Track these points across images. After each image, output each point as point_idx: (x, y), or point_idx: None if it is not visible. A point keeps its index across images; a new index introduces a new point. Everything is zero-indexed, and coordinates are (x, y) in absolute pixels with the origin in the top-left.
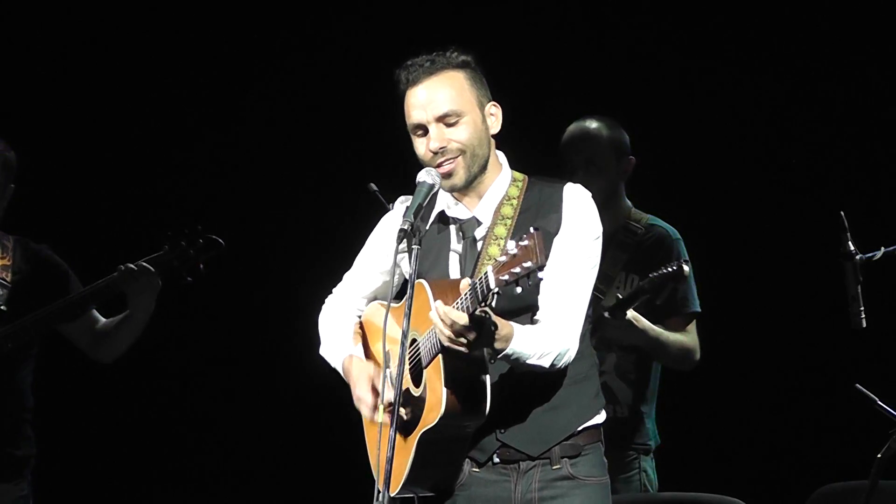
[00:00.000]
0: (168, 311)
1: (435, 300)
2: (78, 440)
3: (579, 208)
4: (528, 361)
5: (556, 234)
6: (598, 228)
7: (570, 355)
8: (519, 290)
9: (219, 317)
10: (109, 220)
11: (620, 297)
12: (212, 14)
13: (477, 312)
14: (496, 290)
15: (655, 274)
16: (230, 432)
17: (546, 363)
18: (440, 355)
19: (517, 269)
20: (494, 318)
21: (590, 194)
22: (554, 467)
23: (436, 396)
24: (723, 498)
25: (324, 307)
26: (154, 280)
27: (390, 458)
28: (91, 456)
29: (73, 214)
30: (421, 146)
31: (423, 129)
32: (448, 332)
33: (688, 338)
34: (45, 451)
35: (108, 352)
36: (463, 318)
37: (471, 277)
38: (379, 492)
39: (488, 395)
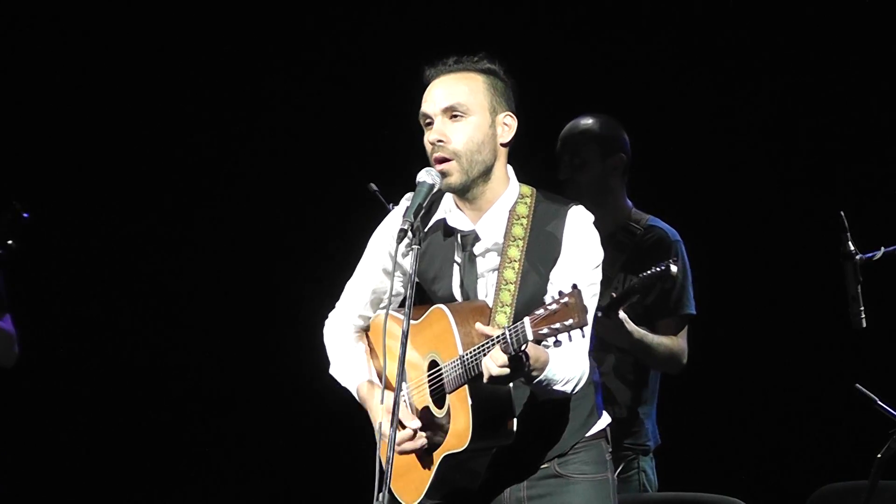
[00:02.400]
0: (170, 313)
1: (458, 327)
2: (74, 443)
3: (580, 236)
4: (555, 387)
5: (557, 259)
6: (598, 257)
7: (584, 380)
8: (560, 344)
9: (217, 319)
10: (112, 223)
11: (614, 295)
12: (215, 18)
13: (515, 353)
14: (532, 340)
15: (645, 273)
16: (231, 435)
17: (568, 389)
18: (466, 385)
19: (556, 325)
20: (531, 346)
21: (592, 219)
22: (542, 466)
23: (462, 424)
24: (723, 498)
25: (328, 322)
26: None
27: (391, 457)
28: (76, 460)
29: (78, 214)
30: (425, 138)
31: (430, 121)
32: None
33: (674, 342)
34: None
35: None
36: (502, 359)
37: (476, 296)
38: (380, 491)
39: (515, 422)
